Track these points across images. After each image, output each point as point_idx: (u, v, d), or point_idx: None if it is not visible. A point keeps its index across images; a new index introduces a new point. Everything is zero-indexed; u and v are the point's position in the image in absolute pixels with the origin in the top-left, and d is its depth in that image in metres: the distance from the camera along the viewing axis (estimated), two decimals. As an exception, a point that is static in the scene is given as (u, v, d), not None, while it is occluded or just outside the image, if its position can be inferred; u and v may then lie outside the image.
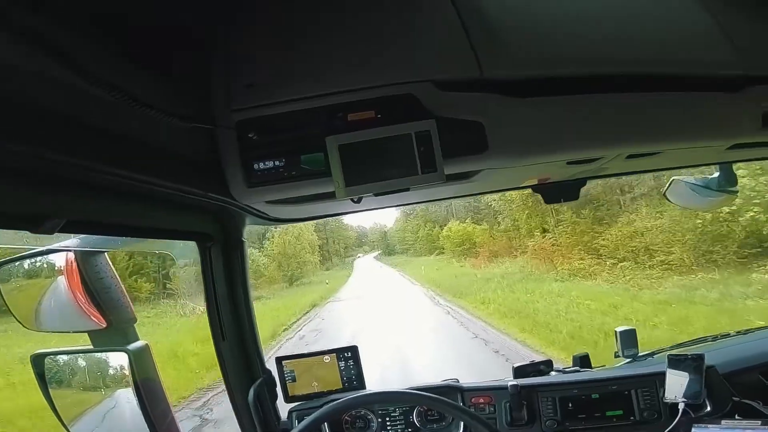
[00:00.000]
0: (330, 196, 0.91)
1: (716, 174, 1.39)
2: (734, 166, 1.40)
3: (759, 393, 1.36)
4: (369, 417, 1.45)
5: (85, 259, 1.03)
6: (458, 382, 1.50)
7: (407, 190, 0.89)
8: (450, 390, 1.43)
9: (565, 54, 0.86)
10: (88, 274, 1.03)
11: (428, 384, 1.45)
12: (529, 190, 1.34)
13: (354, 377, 1.49)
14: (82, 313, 1.04)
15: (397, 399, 1.38)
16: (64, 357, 1.14)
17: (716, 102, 0.91)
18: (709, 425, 1.20)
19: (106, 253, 1.07)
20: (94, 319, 1.04)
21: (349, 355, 1.49)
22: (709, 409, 1.29)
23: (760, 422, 1.16)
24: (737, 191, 1.41)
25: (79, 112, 0.60)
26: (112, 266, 1.08)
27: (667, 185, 1.49)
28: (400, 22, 0.87)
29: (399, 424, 1.44)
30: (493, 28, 0.85)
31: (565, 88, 0.87)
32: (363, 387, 1.49)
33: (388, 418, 1.45)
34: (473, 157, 0.91)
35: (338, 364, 1.48)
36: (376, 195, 0.91)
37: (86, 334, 1.10)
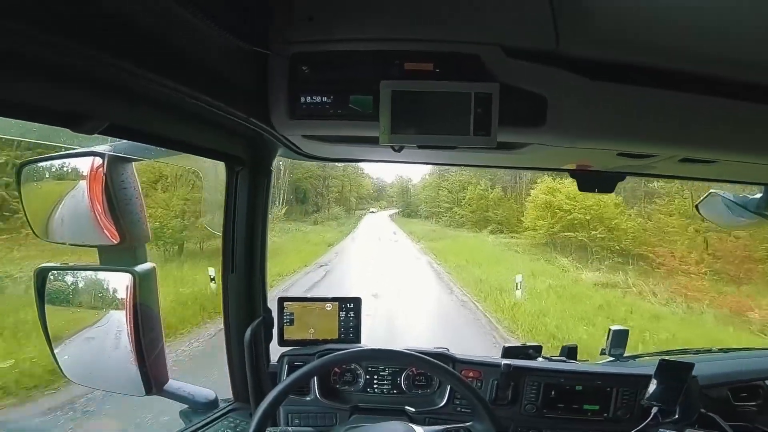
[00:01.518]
0: (370, 140, 0.90)
1: (758, 194, 1.37)
2: None
3: (722, 408, 1.44)
4: (358, 372, 1.48)
5: (113, 166, 0.99)
6: (448, 350, 1.52)
7: (454, 148, 0.89)
8: (443, 358, 1.45)
9: (646, 41, 0.81)
10: (113, 182, 0.99)
11: (420, 348, 1.46)
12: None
13: (352, 329, 1.50)
14: (97, 224, 1.00)
15: (398, 359, 1.37)
16: (68, 273, 1.11)
17: None
18: None
19: (133, 164, 1.03)
20: (106, 232, 1.01)
21: (351, 306, 1.50)
22: (677, 416, 1.35)
23: None
24: None
25: (134, 16, 0.58)
26: (137, 178, 1.04)
27: (703, 197, 1.47)
28: None
29: (386, 384, 1.48)
30: (581, 1, 0.79)
31: (635, 77, 0.83)
32: (358, 340, 1.50)
33: (376, 376, 1.47)
34: (528, 129, 0.89)
35: (339, 314, 1.49)
36: (419, 147, 0.90)
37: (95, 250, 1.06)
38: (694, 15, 0.80)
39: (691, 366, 1.35)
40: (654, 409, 1.34)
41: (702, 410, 1.38)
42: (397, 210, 46.87)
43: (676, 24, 0.79)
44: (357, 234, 25.54)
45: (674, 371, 1.35)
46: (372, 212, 46.59)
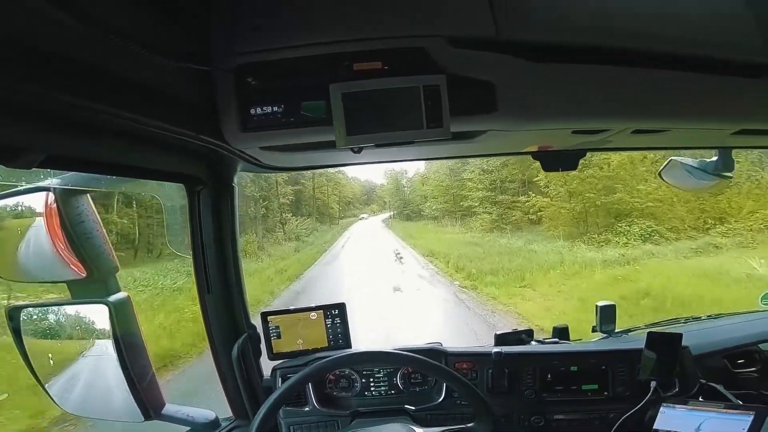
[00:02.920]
0: (328, 145, 0.91)
1: (714, 158, 1.40)
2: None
3: (722, 376, 1.44)
4: (353, 377, 1.47)
5: (65, 200, 0.98)
6: (441, 345, 1.52)
7: (411, 143, 0.89)
8: (435, 353, 1.44)
9: (584, 21, 0.83)
10: (69, 217, 0.98)
11: (412, 346, 1.46)
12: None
13: (340, 335, 1.49)
14: (62, 261, 0.99)
15: (387, 360, 1.38)
16: (42, 310, 1.10)
17: (731, 85, 0.90)
18: (677, 405, 1.26)
19: (88, 195, 1.02)
20: (73, 267, 1.00)
21: (336, 313, 1.49)
22: (677, 389, 1.34)
23: (723, 405, 1.23)
24: (732, 177, 1.43)
25: (66, 46, 0.57)
26: (94, 209, 1.03)
27: (664, 164, 1.50)
28: None
29: (383, 385, 1.47)
30: None
31: (580, 57, 0.85)
32: (349, 346, 1.50)
33: (372, 379, 1.47)
34: (480, 117, 0.90)
35: (325, 322, 1.48)
36: (377, 146, 0.91)
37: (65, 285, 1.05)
38: None
39: (679, 336, 1.34)
40: (653, 384, 1.32)
41: (702, 381, 1.38)
42: (393, 213, 40.31)
43: (610, 3, 0.82)
44: (331, 259, 16.69)
45: (664, 343, 1.34)
46: (363, 218, 41.35)
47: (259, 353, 1.45)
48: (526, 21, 0.83)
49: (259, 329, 1.45)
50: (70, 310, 1.10)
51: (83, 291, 1.06)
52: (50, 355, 1.12)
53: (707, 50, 0.86)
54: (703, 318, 1.82)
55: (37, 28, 0.52)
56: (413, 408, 1.41)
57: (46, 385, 1.11)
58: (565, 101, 0.90)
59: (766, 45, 0.85)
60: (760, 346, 1.55)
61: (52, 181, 0.97)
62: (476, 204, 21.63)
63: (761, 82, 0.89)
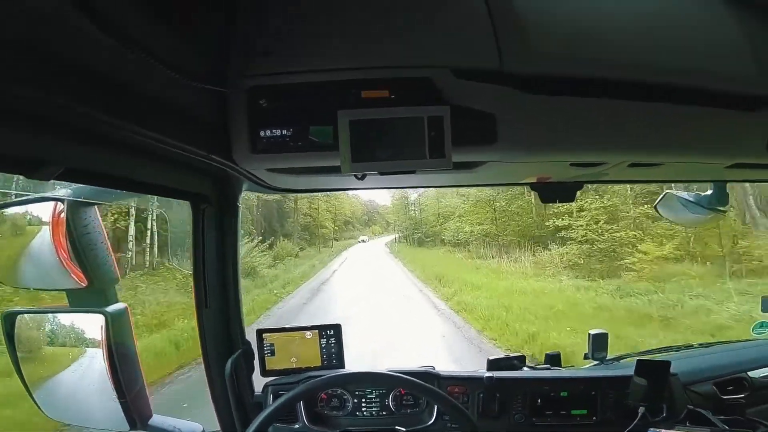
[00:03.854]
0: (333, 170, 0.91)
1: (710, 191, 1.42)
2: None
3: (711, 402, 1.45)
4: (345, 397, 1.46)
5: (74, 211, 0.99)
6: (434, 368, 1.52)
7: (413, 172, 0.90)
8: (428, 377, 1.44)
9: (585, 54, 0.85)
10: (75, 227, 0.99)
11: (405, 368, 1.45)
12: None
13: (334, 355, 1.49)
14: (63, 269, 0.99)
15: (382, 381, 1.38)
16: (38, 317, 1.10)
17: (727, 119, 0.92)
18: (663, 430, 1.27)
19: (96, 207, 1.03)
20: (74, 276, 1.00)
21: (331, 333, 1.50)
22: (665, 415, 1.36)
23: (709, 429, 1.25)
24: (726, 211, 1.45)
25: (90, 59, 0.57)
26: (101, 221, 1.04)
27: (660, 198, 1.53)
28: (425, 4, 0.86)
29: (374, 406, 1.46)
30: (519, 20, 0.84)
31: (580, 90, 0.87)
32: (342, 366, 1.50)
33: (363, 400, 1.46)
34: (481, 147, 0.92)
35: (320, 341, 1.48)
36: (380, 174, 0.91)
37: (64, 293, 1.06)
38: (631, 27, 0.87)
39: (668, 364, 1.37)
40: (641, 409, 1.35)
41: (690, 406, 1.39)
42: (399, 235, 34.15)
43: (615, 37, 0.85)
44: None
45: (653, 370, 1.37)
46: (362, 241, 36.30)
47: (252, 369, 1.45)
48: (529, 53, 0.85)
49: (253, 346, 1.45)
50: (66, 318, 1.11)
51: (82, 300, 1.06)
52: (41, 361, 1.13)
53: (704, 83, 0.88)
54: (695, 346, 1.85)
55: (60, 37, 0.53)
56: (404, 429, 1.40)
57: (33, 390, 1.10)
58: (564, 134, 0.91)
59: (760, 77, 0.88)
60: (749, 373, 1.57)
61: (63, 192, 0.99)
62: (577, 232, 13.35)
63: (755, 115, 0.91)
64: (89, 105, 0.59)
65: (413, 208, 31.50)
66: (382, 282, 13.84)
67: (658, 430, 1.28)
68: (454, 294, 10.94)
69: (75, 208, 0.99)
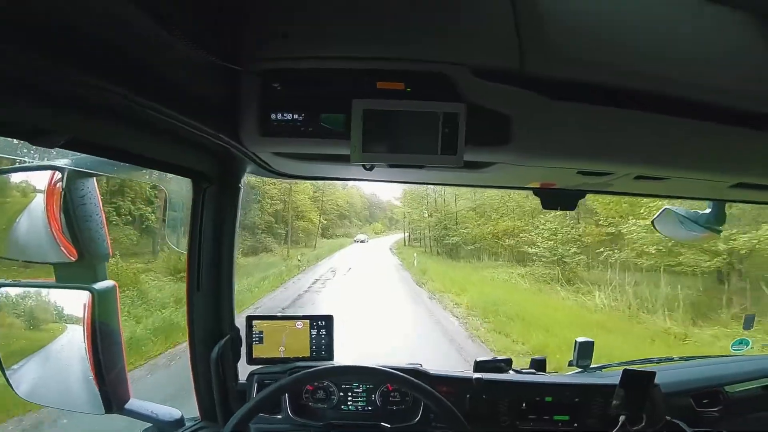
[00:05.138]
0: (341, 158, 0.91)
1: (708, 210, 1.44)
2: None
3: (686, 415, 1.49)
4: (331, 389, 1.45)
5: (72, 181, 0.96)
6: (422, 366, 1.51)
7: (422, 167, 0.90)
8: (417, 374, 1.44)
9: (605, 62, 0.84)
10: (72, 197, 0.96)
11: (392, 365, 1.44)
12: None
13: (324, 347, 1.48)
14: (53, 241, 0.96)
15: (373, 375, 1.34)
16: (20, 290, 1.06)
17: (735, 137, 0.93)
18: None
19: (95, 179, 1.00)
20: (63, 249, 0.97)
21: (323, 324, 1.48)
22: (643, 424, 1.39)
23: None
24: (721, 231, 1.47)
25: (99, 29, 0.56)
26: (98, 193, 1.01)
27: (658, 213, 1.54)
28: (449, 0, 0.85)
29: (360, 401, 1.45)
30: (543, 23, 0.82)
31: (596, 97, 0.87)
32: (331, 358, 1.48)
33: (350, 393, 1.45)
34: (493, 148, 0.91)
35: (310, 332, 1.47)
36: (390, 166, 0.91)
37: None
38: (651, 38, 0.85)
39: (652, 374, 1.39)
40: (621, 418, 1.37)
41: (667, 417, 1.42)
42: (409, 234, 27.12)
43: (635, 46, 0.84)
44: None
45: (637, 380, 1.39)
46: (360, 241, 29.92)
47: (239, 356, 1.42)
48: (551, 57, 0.84)
49: (242, 332, 1.43)
50: (51, 293, 1.07)
51: (70, 275, 1.03)
52: (19, 337, 1.09)
53: (717, 98, 0.87)
54: (675, 359, 1.89)
55: (75, 8, 0.52)
56: (388, 426, 1.40)
57: (6, 367, 1.06)
58: (576, 140, 0.91)
59: None
60: (726, 388, 1.62)
61: (66, 161, 0.95)
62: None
63: (763, 135, 0.91)
64: (96, 75, 0.58)
65: (436, 200, 22.63)
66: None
67: None
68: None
69: (74, 178, 0.96)
